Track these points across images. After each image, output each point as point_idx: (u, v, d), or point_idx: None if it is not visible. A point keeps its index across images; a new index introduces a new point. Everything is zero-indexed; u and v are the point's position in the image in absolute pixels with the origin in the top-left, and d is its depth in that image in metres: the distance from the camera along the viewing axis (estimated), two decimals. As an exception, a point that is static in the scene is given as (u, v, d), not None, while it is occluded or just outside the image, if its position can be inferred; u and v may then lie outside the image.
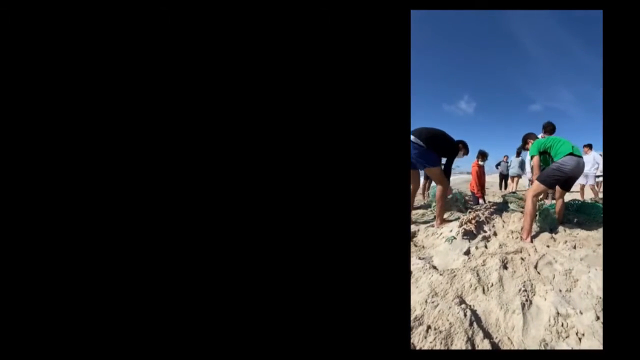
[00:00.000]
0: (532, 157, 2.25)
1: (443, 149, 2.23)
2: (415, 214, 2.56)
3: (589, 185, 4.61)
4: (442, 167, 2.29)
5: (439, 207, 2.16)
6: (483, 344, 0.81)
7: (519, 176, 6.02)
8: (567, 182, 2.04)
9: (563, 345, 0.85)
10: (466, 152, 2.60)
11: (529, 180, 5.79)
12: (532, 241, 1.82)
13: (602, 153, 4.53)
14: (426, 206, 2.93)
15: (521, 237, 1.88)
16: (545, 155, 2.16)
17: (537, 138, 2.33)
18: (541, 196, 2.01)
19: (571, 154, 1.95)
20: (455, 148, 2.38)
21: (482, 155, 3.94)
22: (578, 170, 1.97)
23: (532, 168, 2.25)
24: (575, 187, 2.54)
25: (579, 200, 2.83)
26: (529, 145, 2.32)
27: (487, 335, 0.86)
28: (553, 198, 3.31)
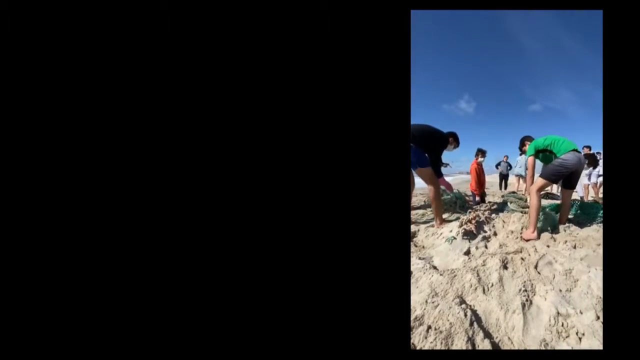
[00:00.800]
0: (528, 157, 2.30)
1: (434, 145, 2.22)
2: (415, 214, 2.56)
3: (591, 184, 4.68)
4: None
5: (436, 208, 2.16)
6: (483, 344, 0.81)
7: (522, 176, 6.02)
8: (570, 178, 2.09)
9: (563, 345, 0.85)
10: (457, 145, 2.55)
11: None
12: (538, 236, 1.83)
13: (599, 152, 4.60)
14: (426, 206, 2.93)
15: (521, 237, 1.88)
16: (546, 153, 2.21)
17: (533, 140, 2.36)
18: (542, 192, 2.05)
19: (574, 150, 2.03)
20: (445, 141, 2.36)
21: (481, 153, 3.92)
22: (580, 166, 2.04)
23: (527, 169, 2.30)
24: (578, 187, 2.57)
25: (579, 201, 2.83)
26: (526, 148, 2.36)
27: (488, 335, 0.86)
28: (553, 197, 3.31)
